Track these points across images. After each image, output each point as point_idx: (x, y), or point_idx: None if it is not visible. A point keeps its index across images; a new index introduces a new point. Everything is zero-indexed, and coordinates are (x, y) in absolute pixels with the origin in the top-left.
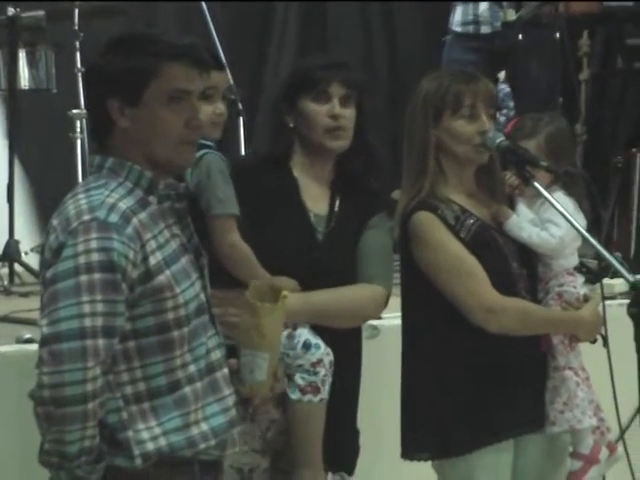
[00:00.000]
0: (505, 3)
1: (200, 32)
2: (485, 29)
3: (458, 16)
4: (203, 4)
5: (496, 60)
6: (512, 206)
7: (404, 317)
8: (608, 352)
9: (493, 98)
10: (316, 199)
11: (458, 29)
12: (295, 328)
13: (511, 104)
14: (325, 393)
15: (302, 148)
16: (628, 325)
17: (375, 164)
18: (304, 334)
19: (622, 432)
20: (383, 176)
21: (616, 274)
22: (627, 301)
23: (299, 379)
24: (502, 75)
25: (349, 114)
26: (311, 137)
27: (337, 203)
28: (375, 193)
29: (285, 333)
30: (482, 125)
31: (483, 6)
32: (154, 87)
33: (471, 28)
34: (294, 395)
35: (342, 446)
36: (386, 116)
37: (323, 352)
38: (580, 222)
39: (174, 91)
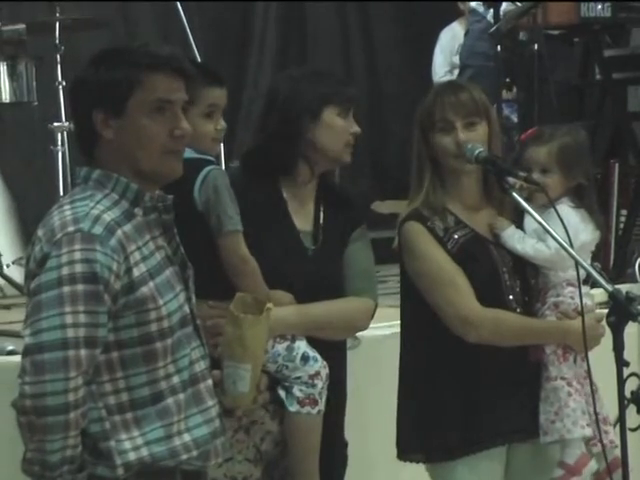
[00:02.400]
0: None
1: (180, 45)
2: (522, 36)
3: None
4: (183, 18)
5: (521, 65)
6: (521, 215)
7: (401, 323)
8: (587, 362)
9: (467, 107)
10: (302, 215)
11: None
12: (294, 340)
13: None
14: (322, 405)
15: (310, 159)
16: (607, 335)
17: (358, 177)
18: (302, 346)
19: (602, 442)
20: (364, 188)
21: (595, 284)
22: (606, 311)
23: (297, 391)
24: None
25: None
26: (330, 150)
27: (321, 217)
28: (355, 206)
29: (284, 345)
30: (456, 135)
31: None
32: (137, 97)
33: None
34: (292, 407)
35: (333, 457)
36: (364, 126)
37: (320, 365)
38: (583, 237)
39: (157, 101)
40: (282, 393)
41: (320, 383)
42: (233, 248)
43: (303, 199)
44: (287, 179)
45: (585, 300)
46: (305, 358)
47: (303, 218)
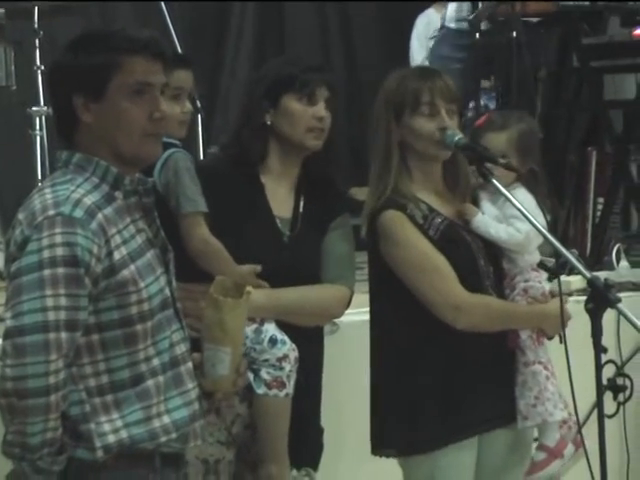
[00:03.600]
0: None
1: (158, 31)
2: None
3: (451, 12)
4: (162, 4)
5: (486, 58)
6: (475, 201)
7: (372, 314)
8: (566, 348)
9: (452, 94)
10: (281, 201)
11: (452, 25)
12: (262, 323)
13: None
14: (290, 388)
15: (277, 146)
16: (585, 321)
17: (339, 164)
18: (271, 329)
19: (580, 427)
20: (342, 175)
21: (572, 271)
22: (584, 298)
23: (265, 374)
24: (484, 83)
25: (329, 116)
26: (292, 136)
27: (301, 204)
28: (338, 194)
29: (252, 327)
30: (442, 121)
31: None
32: (117, 81)
33: (465, 24)
34: (260, 390)
35: (306, 443)
36: (343, 115)
37: (289, 347)
38: (540, 220)
39: (136, 84)
40: (250, 376)
41: (288, 366)
42: (192, 230)
43: (283, 186)
44: (265, 166)
45: (546, 285)
46: (273, 341)
47: (282, 205)
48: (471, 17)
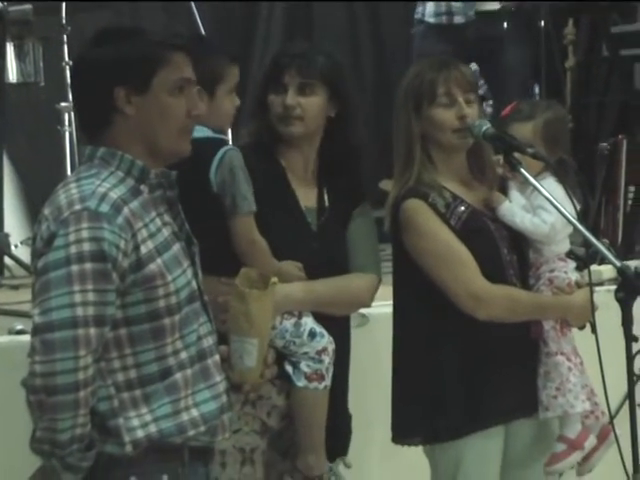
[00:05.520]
0: None
1: (185, 27)
2: (459, 19)
3: (430, 7)
4: (192, 4)
5: (469, 50)
6: (504, 191)
7: (395, 304)
8: (596, 338)
9: (469, 83)
10: (304, 190)
11: (431, 20)
12: (300, 317)
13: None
14: (329, 380)
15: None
16: (616, 311)
17: (356, 151)
18: (309, 322)
19: (612, 418)
20: (365, 163)
21: (603, 261)
22: (614, 287)
23: (305, 367)
24: (473, 66)
25: (306, 102)
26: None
27: (324, 193)
28: (357, 182)
29: (291, 321)
30: (460, 110)
31: None
32: (161, 75)
33: (444, 18)
34: (300, 382)
35: (336, 429)
36: (372, 108)
37: (327, 340)
38: (570, 209)
39: (180, 80)
40: (289, 368)
41: (327, 359)
42: (245, 231)
43: (306, 176)
44: (287, 157)
45: (572, 275)
46: (312, 334)
47: (306, 195)
48: (496, 8)
